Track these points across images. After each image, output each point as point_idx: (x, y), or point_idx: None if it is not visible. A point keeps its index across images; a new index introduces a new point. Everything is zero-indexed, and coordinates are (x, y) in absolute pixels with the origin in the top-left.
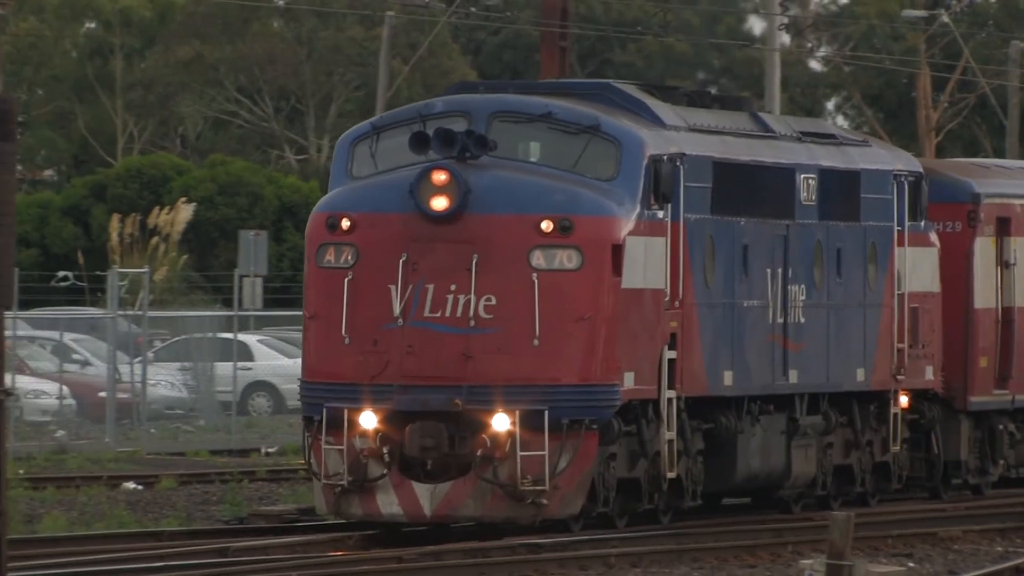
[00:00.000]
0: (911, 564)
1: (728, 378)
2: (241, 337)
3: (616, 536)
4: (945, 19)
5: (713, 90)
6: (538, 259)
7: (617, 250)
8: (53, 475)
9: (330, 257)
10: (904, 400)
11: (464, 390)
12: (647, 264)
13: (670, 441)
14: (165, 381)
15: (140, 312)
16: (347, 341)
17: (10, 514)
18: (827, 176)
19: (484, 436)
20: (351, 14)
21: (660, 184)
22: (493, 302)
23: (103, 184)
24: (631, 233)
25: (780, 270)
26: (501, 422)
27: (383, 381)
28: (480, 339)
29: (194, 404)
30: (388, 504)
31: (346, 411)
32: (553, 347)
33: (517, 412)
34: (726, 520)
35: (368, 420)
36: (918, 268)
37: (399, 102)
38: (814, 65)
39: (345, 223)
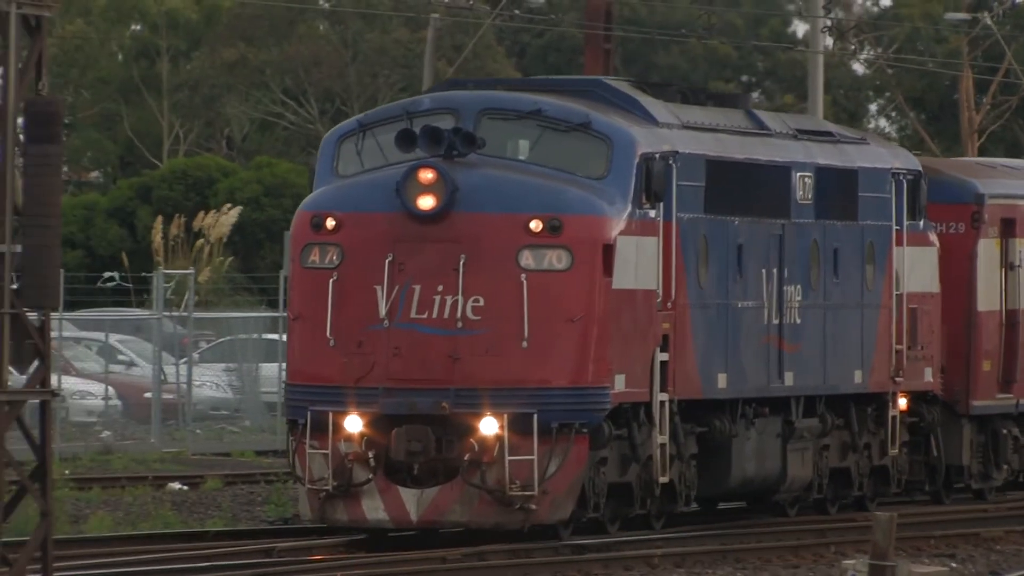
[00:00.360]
0: (954, 564)
1: (722, 380)
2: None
3: (660, 536)
4: (988, 22)
5: (756, 94)
6: (527, 259)
7: (608, 250)
8: (99, 475)
9: (315, 257)
10: (903, 402)
11: (451, 393)
12: (638, 264)
13: (662, 445)
14: (210, 382)
15: (185, 313)
16: (332, 343)
17: (56, 514)
18: (824, 174)
19: (472, 440)
20: (396, 16)
21: (652, 183)
22: (481, 303)
23: (149, 186)
24: (622, 233)
25: (775, 270)
26: (489, 426)
27: (369, 384)
28: (468, 341)
29: (239, 405)
30: (374, 509)
31: (331, 414)
32: (542, 349)
33: (505, 415)
34: (769, 521)
35: (353, 424)
36: (917, 268)
37: None
38: (857, 68)
39: (330, 222)
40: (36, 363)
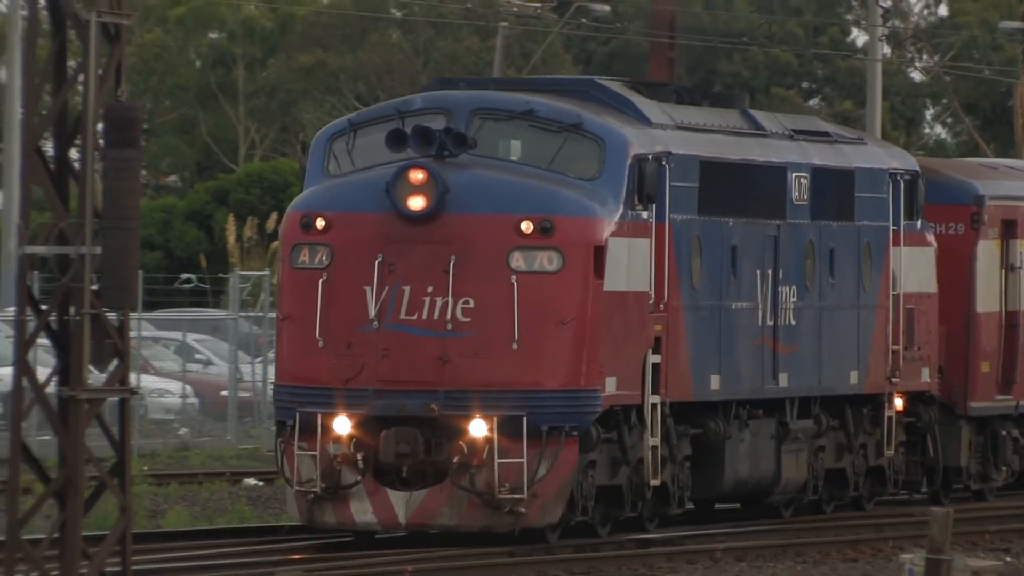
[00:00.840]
0: (1008, 559)
1: (715, 382)
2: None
3: (722, 531)
4: None
5: (816, 103)
6: (518, 261)
7: (599, 252)
8: (176, 472)
9: (304, 257)
10: (899, 403)
11: (441, 395)
12: (630, 266)
13: (654, 448)
14: None
15: (260, 314)
16: (321, 344)
17: (134, 509)
18: (820, 175)
19: (461, 443)
20: (467, 24)
21: (644, 184)
22: (471, 305)
23: (225, 189)
24: (614, 234)
25: (770, 271)
26: (478, 428)
27: (357, 385)
28: (457, 343)
29: None
30: (362, 512)
31: (319, 416)
32: (533, 351)
33: (495, 418)
34: (829, 516)
35: (342, 425)
36: (914, 268)
37: None
38: (914, 75)
39: (320, 223)
40: (115, 362)
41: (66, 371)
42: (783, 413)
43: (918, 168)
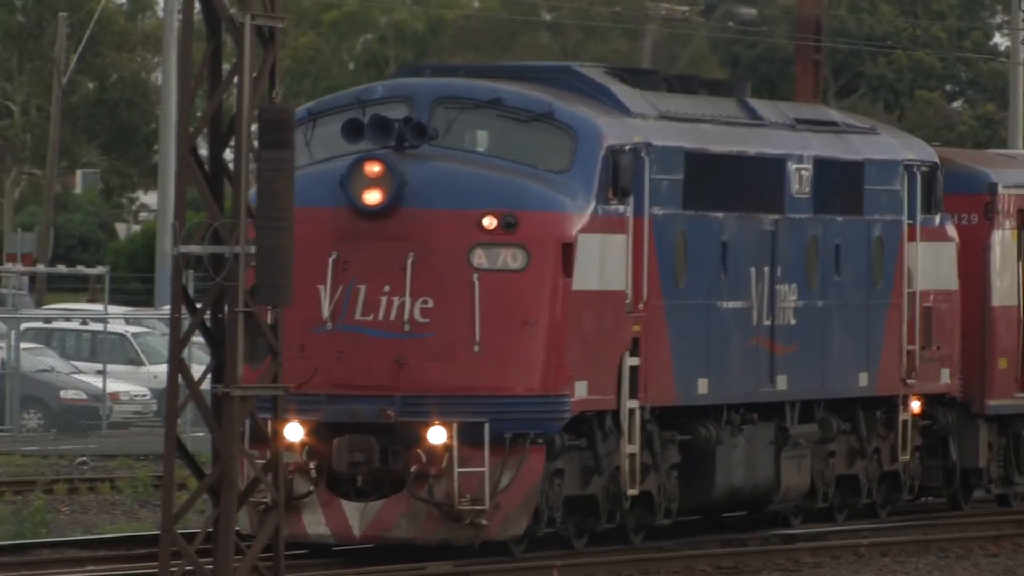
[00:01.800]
0: None
1: (703, 386)
2: None
3: (866, 527)
4: None
5: (959, 105)
6: (480, 258)
7: (567, 249)
8: None
9: None
10: (916, 405)
11: (397, 400)
12: (604, 264)
13: (631, 455)
14: None
15: None
16: None
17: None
18: (824, 167)
19: (419, 451)
20: (615, 27)
21: (619, 177)
22: (430, 305)
23: None
24: (585, 230)
25: (767, 268)
26: (437, 435)
27: (310, 390)
28: (415, 345)
29: None
30: (315, 524)
31: (270, 422)
32: (495, 354)
33: (455, 425)
34: (969, 512)
35: (294, 432)
36: (932, 264)
37: None
38: None
39: None
40: (268, 359)
41: (220, 368)
42: (782, 417)
43: (936, 160)
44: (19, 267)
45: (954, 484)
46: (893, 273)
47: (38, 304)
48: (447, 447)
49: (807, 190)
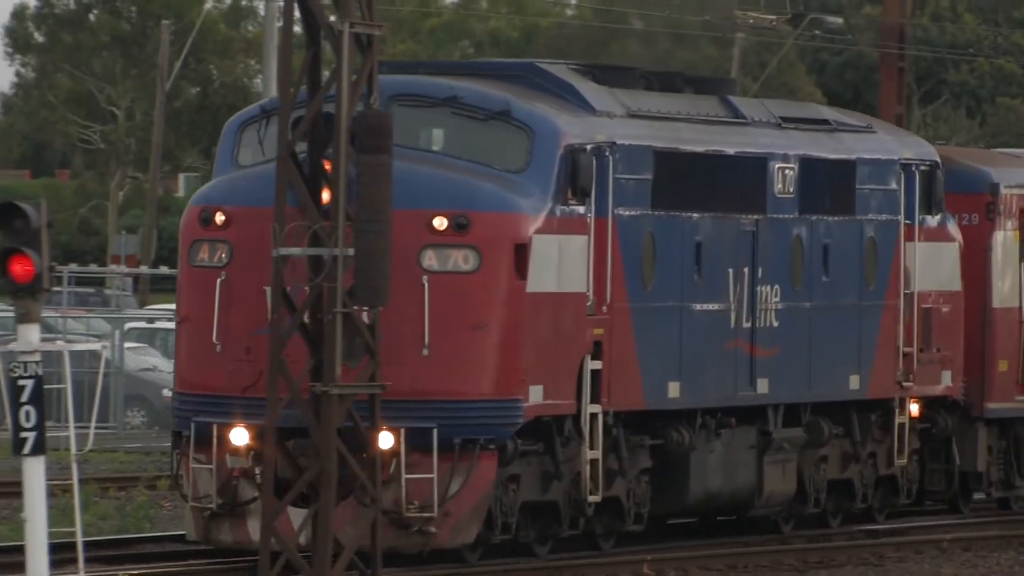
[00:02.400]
0: None
1: (674, 390)
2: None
3: (949, 523)
4: None
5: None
6: (430, 260)
7: (521, 250)
8: None
9: (203, 255)
10: (914, 408)
11: None
12: (562, 265)
13: (593, 461)
14: None
15: None
16: (219, 348)
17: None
18: (811, 166)
19: (367, 456)
20: (704, 35)
21: (579, 177)
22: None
23: None
24: (541, 231)
25: (746, 270)
26: (385, 441)
27: (256, 394)
28: None
29: None
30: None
31: (215, 427)
32: (445, 358)
33: (402, 430)
34: None
35: (239, 437)
36: (932, 265)
37: None
38: None
39: (219, 218)
40: (366, 359)
41: (319, 368)
42: (765, 421)
43: (937, 159)
44: (123, 268)
45: (952, 487)
46: (888, 274)
47: (141, 304)
48: (394, 453)
49: (791, 189)
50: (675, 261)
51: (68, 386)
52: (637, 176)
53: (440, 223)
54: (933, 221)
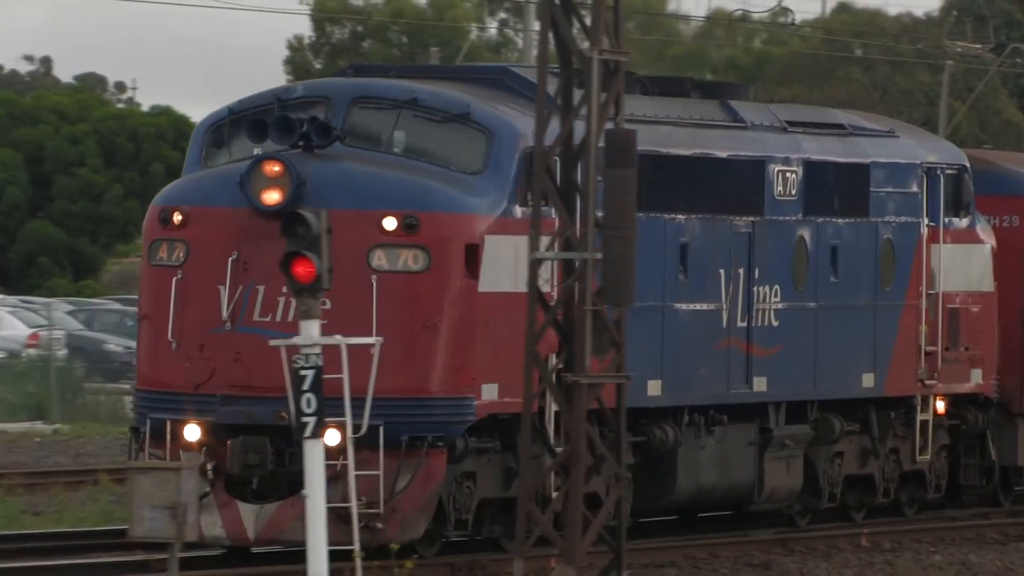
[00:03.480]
0: None
1: (655, 388)
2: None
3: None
4: None
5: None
6: (379, 259)
7: (472, 250)
8: None
9: (163, 254)
10: (941, 406)
11: None
12: (519, 266)
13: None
14: None
15: None
16: (174, 346)
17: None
18: (817, 168)
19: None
20: (919, 63)
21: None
22: (328, 306)
23: None
24: (497, 231)
25: (742, 270)
26: (332, 438)
27: (208, 391)
28: None
29: None
30: (212, 525)
31: (168, 423)
32: (393, 356)
33: (349, 427)
34: None
35: (192, 433)
36: (959, 266)
37: (956, 138)
38: None
39: (177, 217)
40: (612, 352)
41: (570, 360)
42: (765, 419)
43: (965, 162)
44: None
45: (993, 482)
46: (908, 274)
47: None
48: (341, 449)
49: (794, 192)
50: (655, 262)
51: (346, 376)
52: None
53: (390, 223)
54: (961, 223)
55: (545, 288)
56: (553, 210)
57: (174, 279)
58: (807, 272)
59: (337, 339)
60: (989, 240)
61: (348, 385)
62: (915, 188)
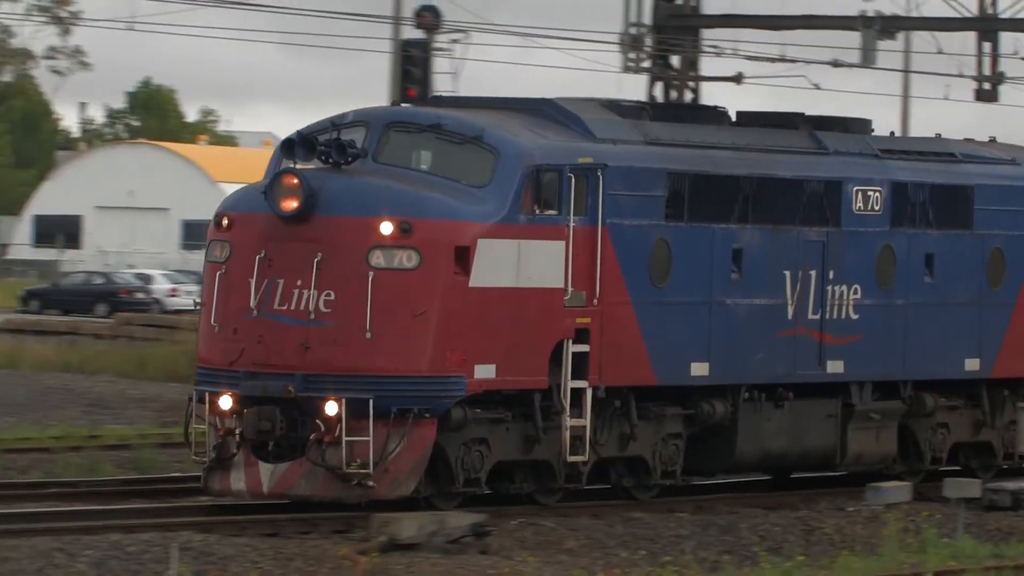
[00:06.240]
0: None
1: (700, 369)
2: None
3: None
4: None
5: None
6: (377, 258)
7: (462, 251)
8: None
9: (216, 252)
10: None
11: (299, 378)
12: (523, 265)
13: (575, 427)
14: None
15: None
16: (216, 330)
17: None
18: (906, 188)
19: (317, 421)
20: None
21: (543, 191)
22: (332, 297)
23: None
24: (491, 235)
25: (813, 272)
26: (331, 409)
27: (237, 367)
28: (318, 331)
29: None
30: (237, 480)
31: (208, 394)
32: (385, 341)
33: (344, 400)
34: None
35: (226, 403)
36: None
37: None
38: None
39: (225, 221)
40: None
41: None
42: (848, 395)
43: None
44: None
45: None
46: (1021, 278)
47: None
48: (339, 419)
49: (877, 207)
50: (700, 263)
51: None
52: (641, 192)
53: (387, 227)
54: None
55: (550, 284)
56: (558, 217)
57: (218, 273)
58: (895, 274)
59: None
60: None
61: None
62: None
